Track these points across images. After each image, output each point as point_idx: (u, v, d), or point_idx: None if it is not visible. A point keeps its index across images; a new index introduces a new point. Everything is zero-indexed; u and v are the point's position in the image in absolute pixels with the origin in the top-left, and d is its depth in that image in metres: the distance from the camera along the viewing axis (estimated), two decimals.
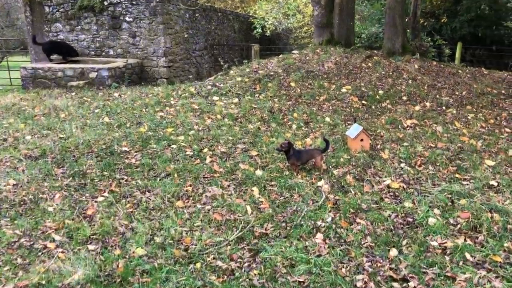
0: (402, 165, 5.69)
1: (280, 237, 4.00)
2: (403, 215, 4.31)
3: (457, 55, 15.31)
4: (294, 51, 11.84)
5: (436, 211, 4.34)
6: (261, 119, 7.82)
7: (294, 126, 7.44)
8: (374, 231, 4.03)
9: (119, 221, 4.36)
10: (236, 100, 8.87)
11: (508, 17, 18.14)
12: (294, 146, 5.57)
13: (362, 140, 6.25)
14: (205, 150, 6.34)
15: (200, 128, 7.43)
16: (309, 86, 9.18)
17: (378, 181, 5.11)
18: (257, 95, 9.04)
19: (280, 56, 11.42)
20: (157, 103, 8.97)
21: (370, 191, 4.84)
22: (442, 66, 10.03)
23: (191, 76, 14.27)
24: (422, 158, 5.90)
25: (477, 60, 16.07)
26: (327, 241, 3.91)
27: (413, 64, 9.80)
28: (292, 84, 9.27)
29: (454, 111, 7.77)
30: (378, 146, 6.42)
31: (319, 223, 4.20)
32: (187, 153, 6.33)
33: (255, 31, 19.26)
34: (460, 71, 9.65)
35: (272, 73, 9.83)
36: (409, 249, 3.74)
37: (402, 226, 4.14)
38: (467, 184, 4.94)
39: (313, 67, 9.95)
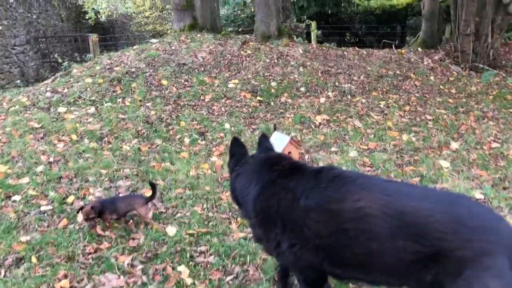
0: None
1: None
2: None
3: (313, 35, 14.84)
4: (152, 40, 9.75)
5: None
6: (137, 135, 5.78)
7: (186, 140, 5.60)
8: None
9: None
10: (92, 110, 6.58)
11: None
12: (102, 201, 3.75)
13: (289, 153, 4.76)
14: (70, 198, 4.18)
15: (51, 160, 5.09)
16: (187, 83, 7.32)
17: None
18: (119, 100, 6.87)
19: (136, 47, 9.25)
20: None
21: None
22: (325, 48, 9.11)
23: (18, 81, 11.04)
24: (368, 168, 4.67)
25: (331, 40, 15.94)
26: None
27: (297, 49, 8.65)
28: (164, 82, 7.31)
29: (363, 100, 6.79)
30: (306, 157, 5.01)
31: None
32: (42, 208, 4.06)
33: (87, 15, 16.27)
34: (345, 52, 8.83)
35: (133, 70, 7.69)
36: None
37: None
38: None
39: (184, 58, 8.08)
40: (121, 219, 3.74)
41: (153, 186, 3.78)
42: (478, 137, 5.44)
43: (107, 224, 3.66)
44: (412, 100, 6.85)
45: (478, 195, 3.92)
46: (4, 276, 3.11)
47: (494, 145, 5.20)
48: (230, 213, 3.87)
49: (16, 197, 4.17)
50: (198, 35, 9.45)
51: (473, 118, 6.11)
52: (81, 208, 3.65)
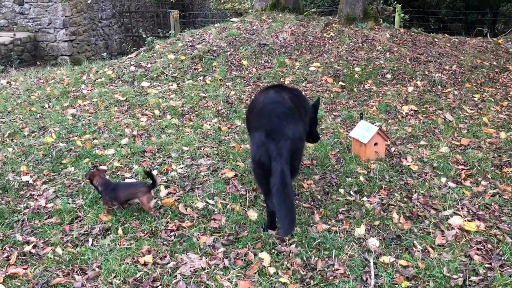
0: (444, 180, 4.06)
1: None
2: None
3: (396, 18, 14.08)
4: (233, 19, 9.70)
5: None
6: (217, 114, 5.77)
7: None
8: None
9: None
10: (174, 86, 6.68)
11: None
12: (105, 175, 3.72)
13: (376, 144, 4.51)
14: (154, 173, 4.23)
15: (135, 133, 5.21)
16: (267, 64, 7.21)
17: (440, 219, 3.41)
18: (200, 78, 6.91)
19: (217, 25, 9.24)
20: (64, 93, 6.51)
21: (444, 243, 3.12)
22: (413, 33, 8.59)
23: (104, 54, 11.50)
24: (462, 167, 4.32)
25: (414, 25, 15.08)
26: None
27: (383, 33, 8.22)
28: (244, 62, 7.24)
29: (455, 92, 6.33)
30: (393, 150, 4.73)
31: None
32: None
33: None
34: (436, 39, 8.27)
35: (215, 48, 7.69)
36: None
37: None
38: None
39: (265, 39, 7.96)
40: (123, 206, 3.65)
41: (150, 175, 3.58)
42: None
43: (106, 211, 3.60)
44: (511, 94, 6.27)
45: None
46: (92, 245, 3.20)
47: None
48: (313, 203, 3.73)
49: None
50: (280, 15, 9.27)
51: None
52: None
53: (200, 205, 3.68)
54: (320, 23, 8.65)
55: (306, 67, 7.07)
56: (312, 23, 8.66)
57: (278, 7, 9.67)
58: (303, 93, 6.09)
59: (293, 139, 3.14)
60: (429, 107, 5.90)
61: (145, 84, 6.79)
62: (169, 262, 3.02)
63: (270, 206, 3.25)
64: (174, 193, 3.89)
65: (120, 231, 3.34)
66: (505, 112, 5.72)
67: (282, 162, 3.01)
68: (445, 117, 5.60)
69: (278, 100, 3.43)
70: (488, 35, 9.45)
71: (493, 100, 6.06)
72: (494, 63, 7.34)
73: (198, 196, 3.82)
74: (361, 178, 4.06)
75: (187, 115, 5.72)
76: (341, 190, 3.87)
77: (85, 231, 3.36)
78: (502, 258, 2.90)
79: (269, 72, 6.96)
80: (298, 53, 7.55)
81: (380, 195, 3.76)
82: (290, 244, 3.18)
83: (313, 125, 4.13)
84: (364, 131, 4.53)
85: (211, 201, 3.74)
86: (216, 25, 9.38)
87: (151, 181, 3.58)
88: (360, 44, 7.78)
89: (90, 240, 3.27)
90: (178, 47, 7.95)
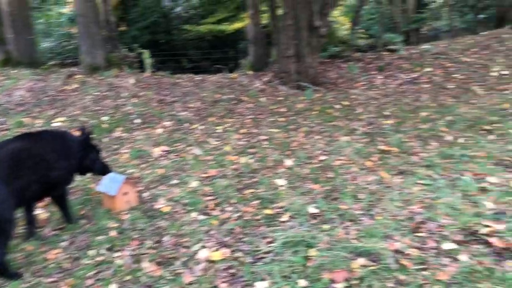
0: (194, 214, 4.23)
1: None
2: None
3: (147, 63, 14.60)
4: None
5: None
6: None
7: None
8: None
9: None
10: None
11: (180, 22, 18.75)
12: None
13: (126, 193, 4.43)
14: None
15: None
16: (2, 127, 6.45)
17: (189, 257, 3.49)
18: None
19: None
20: None
21: (193, 280, 3.18)
22: (158, 77, 8.93)
23: None
24: (210, 198, 4.58)
25: (168, 67, 15.86)
26: None
27: (127, 79, 8.30)
28: None
29: (201, 127, 6.76)
30: (147, 195, 4.73)
31: None
32: None
33: None
34: (179, 80, 8.76)
35: None
36: None
37: None
38: (288, 222, 3.92)
39: None
40: None
41: None
42: (308, 152, 5.77)
43: None
44: (246, 122, 7.05)
45: (312, 209, 4.10)
46: None
47: (322, 157, 5.56)
48: (60, 275, 3.38)
49: None
50: (15, 71, 8.47)
51: (303, 134, 6.51)
52: None
53: None
54: (61, 75, 8.23)
55: (49, 123, 6.58)
56: (53, 76, 8.18)
57: (11, 62, 8.84)
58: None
59: None
60: (179, 145, 6.15)
61: None
62: None
63: None
64: None
65: None
66: (244, 139, 6.37)
67: None
68: (194, 152, 5.91)
69: None
70: (225, 71, 10.52)
71: (233, 129, 6.70)
72: (231, 96, 8.19)
73: None
74: (113, 233, 3.90)
75: None
76: (91, 252, 3.62)
77: None
78: (242, 280, 3.11)
79: (6, 134, 6.22)
80: (39, 109, 7.00)
81: (131, 247, 3.66)
82: None
83: (90, 159, 4.13)
84: (111, 182, 4.40)
85: None
86: None
87: None
88: (106, 93, 7.69)
89: None
90: None
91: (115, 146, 6.20)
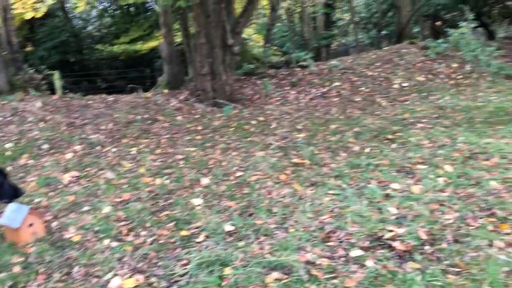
0: (106, 242, 4.08)
1: None
2: None
3: (57, 84, 13.95)
4: None
5: None
6: None
7: None
8: None
9: None
10: None
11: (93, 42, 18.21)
12: None
13: (31, 225, 4.17)
14: None
15: None
16: None
17: (101, 287, 3.35)
18: None
19: None
20: None
21: None
22: (67, 99, 8.55)
23: None
24: (123, 223, 4.45)
25: (81, 87, 15.28)
26: None
27: (33, 103, 7.86)
28: None
29: (114, 149, 6.56)
30: (55, 224, 4.48)
31: None
32: None
33: None
34: (90, 101, 8.45)
35: None
36: None
37: None
38: (204, 242, 3.91)
39: None
40: None
41: None
42: (225, 169, 5.82)
43: None
44: (162, 142, 6.96)
45: (228, 227, 4.13)
46: None
47: (238, 174, 5.64)
48: None
49: None
50: None
51: (219, 151, 6.55)
52: None
53: None
54: None
55: None
56: None
57: None
58: None
59: None
60: (90, 170, 5.91)
61: None
62: None
63: None
64: None
65: None
66: (159, 159, 6.27)
67: None
68: (106, 176, 5.71)
69: None
70: (140, 91, 10.34)
71: (148, 150, 6.58)
72: (146, 115, 8.05)
73: None
74: (17, 268, 3.64)
75: None
76: None
77: None
78: None
79: None
80: None
81: (37, 281, 3.44)
82: None
83: None
84: (15, 214, 4.12)
85: None
86: None
87: None
88: (10, 118, 7.23)
89: None
90: None
91: (21, 175, 5.82)
